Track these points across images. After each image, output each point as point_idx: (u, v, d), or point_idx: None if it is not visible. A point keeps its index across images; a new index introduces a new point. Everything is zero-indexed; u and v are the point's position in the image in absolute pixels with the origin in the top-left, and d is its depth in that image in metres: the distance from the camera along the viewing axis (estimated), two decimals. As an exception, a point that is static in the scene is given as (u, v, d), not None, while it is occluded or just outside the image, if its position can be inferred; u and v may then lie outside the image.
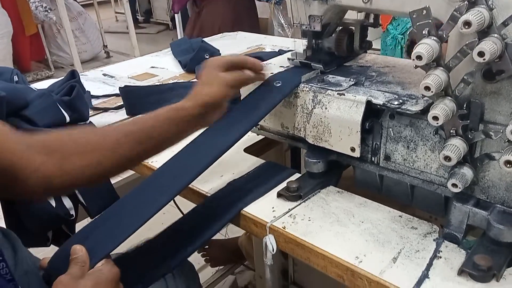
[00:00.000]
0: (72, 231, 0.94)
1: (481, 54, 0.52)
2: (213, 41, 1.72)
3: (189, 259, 0.75)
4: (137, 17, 6.02)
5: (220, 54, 1.46)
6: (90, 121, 1.03)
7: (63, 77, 1.12)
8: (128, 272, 0.64)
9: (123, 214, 0.64)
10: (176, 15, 3.69)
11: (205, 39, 1.63)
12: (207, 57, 1.40)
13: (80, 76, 1.16)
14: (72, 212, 0.88)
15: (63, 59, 4.34)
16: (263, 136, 0.92)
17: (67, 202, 0.88)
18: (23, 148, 0.64)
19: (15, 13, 3.76)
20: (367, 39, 0.85)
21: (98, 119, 1.09)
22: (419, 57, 0.55)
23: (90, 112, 1.07)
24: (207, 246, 1.60)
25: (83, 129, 0.86)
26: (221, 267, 1.67)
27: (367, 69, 0.81)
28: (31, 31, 3.99)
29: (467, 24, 0.52)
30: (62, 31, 4.10)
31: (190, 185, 0.80)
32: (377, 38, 1.98)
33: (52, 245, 0.94)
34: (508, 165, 0.54)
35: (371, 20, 0.82)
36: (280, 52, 1.27)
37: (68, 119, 0.93)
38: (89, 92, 1.20)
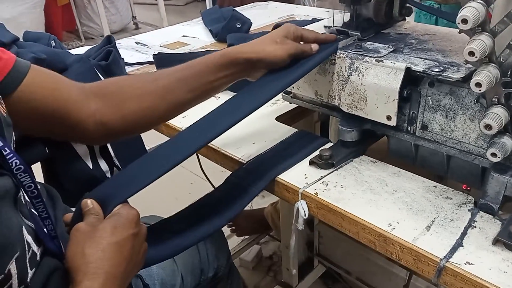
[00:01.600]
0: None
1: (530, 18, 0.50)
2: (244, 10, 1.70)
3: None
4: (166, -12, 5.99)
5: (251, 23, 1.45)
6: (124, 87, 1.05)
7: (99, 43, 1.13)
8: (159, 240, 0.64)
9: (137, 168, 0.63)
10: (205, -14, 3.66)
11: (236, 9, 1.61)
12: (239, 26, 1.39)
13: (114, 43, 1.17)
14: (108, 174, 0.91)
15: (93, 29, 4.38)
16: (295, 105, 0.92)
17: (103, 165, 0.91)
18: (78, 93, 0.66)
19: (47, -17, 3.81)
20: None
21: (132, 86, 1.11)
22: (464, 21, 0.53)
23: (124, 79, 1.09)
24: (232, 216, 1.63)
25: (135, 75, 0.87)
26: (247, 237, 1.71)
27: (406, 36, 0.79)
28: (62, 1, 4.04)
29: (517, -14, 0.50)
30: (92, 1, 4.14)
31: (223, 151, 0.81)
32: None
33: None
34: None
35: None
36: (314, 21, 1.25)
37: (104, 83, 0.94)
38: (123, 59, 1.22)
